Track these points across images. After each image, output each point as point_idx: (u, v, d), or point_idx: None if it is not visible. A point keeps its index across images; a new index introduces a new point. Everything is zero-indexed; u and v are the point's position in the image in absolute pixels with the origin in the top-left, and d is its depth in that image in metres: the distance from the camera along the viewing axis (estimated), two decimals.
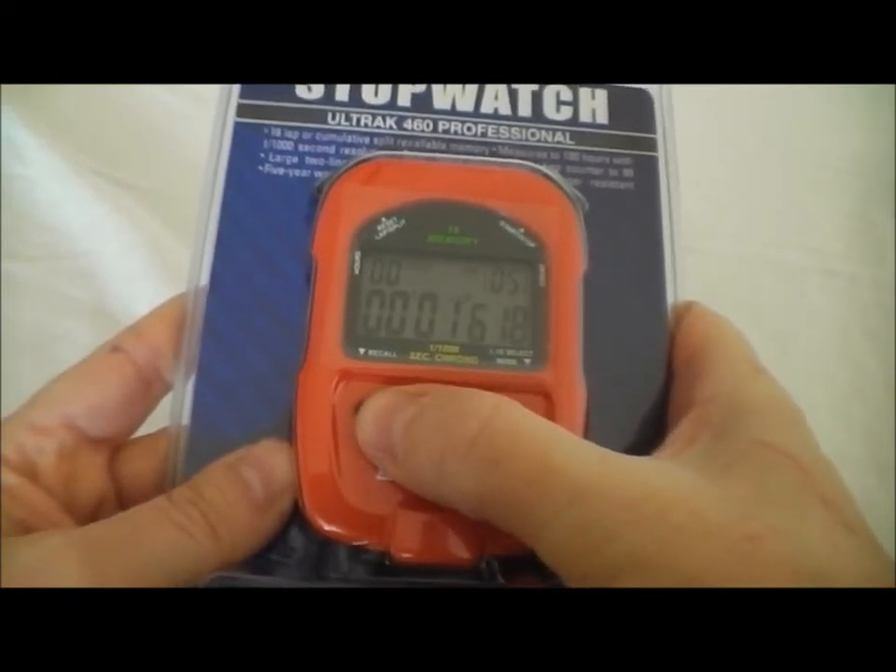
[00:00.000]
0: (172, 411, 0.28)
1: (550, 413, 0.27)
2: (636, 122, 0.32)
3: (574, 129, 0.31)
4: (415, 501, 0.25)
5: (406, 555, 0.25)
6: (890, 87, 0.54)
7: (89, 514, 0.28)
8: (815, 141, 0.54)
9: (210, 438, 0.27)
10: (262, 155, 0.30)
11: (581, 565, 0.21)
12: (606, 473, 0.22)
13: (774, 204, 0.53)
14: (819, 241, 0.52)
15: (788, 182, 0.53)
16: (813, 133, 0.55)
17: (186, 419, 0.28)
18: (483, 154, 0.31)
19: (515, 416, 0.23)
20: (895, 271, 0.51)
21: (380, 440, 0.25)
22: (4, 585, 0.22)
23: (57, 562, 0.23)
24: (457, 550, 0.25)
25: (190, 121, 0.51)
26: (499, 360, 0.27)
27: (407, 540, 0.25)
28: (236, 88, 0.31)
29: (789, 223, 0.52)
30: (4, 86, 0.49)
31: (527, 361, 0.27)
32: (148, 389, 0.29)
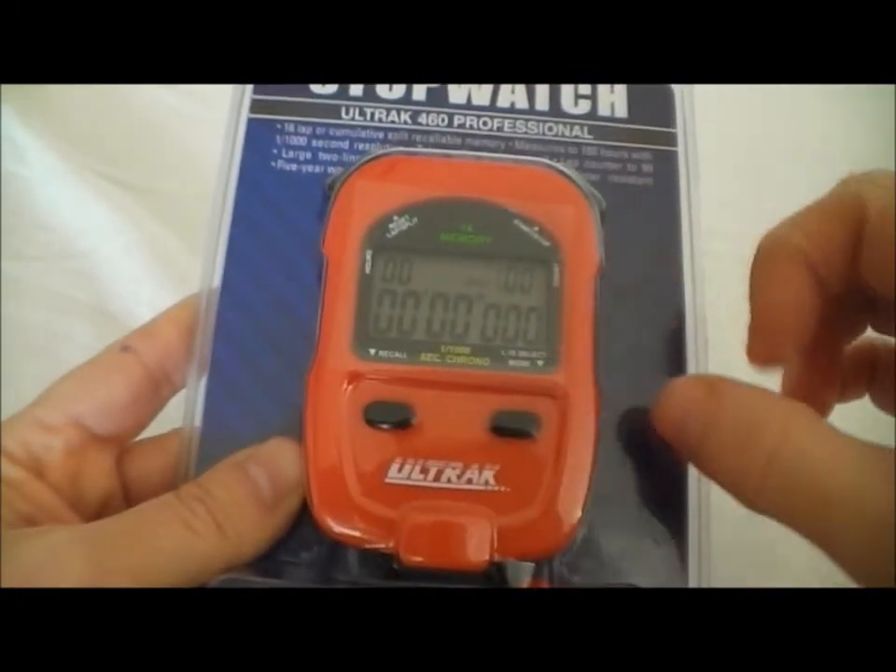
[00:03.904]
0: (185, 412, 0.28)
1: (563, 415, 0.26)
2: (655, 116, 0.31)
3: (592, 123, 0.31)
4: (425, 504, 0.25)
5: (416, 559, 0.25)
6: (890, 87, 0.54)
7: (95, 513, 0.28)
8: (815, 141, 0.54)
9: (222, 438, 0.27)
10: (275, 151, 0.30)
11: (878, 570, 0.22)
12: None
13: (774, 204, 0.52)
14: None
15: (788, 182, 0.53)
16: (813, 133, 0.55)
17: (198, 420, 0.27)
18: (499, 149, 0.30)
19: (802, 441, 0.23)
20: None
21: (677, 427, 0.25)
22: (9, 577, 0.22)
23: (63, 556, 0.23)
24: (467, 554, 0.25)
25: (191, 121, 0.51)
26: (511, 362, 0.27)
27: (416, 544, 0.25)
28: (249, 84, 0.31)
29: None
30: (4, 86, 0.49)
31: (540, 363, 0.27)
32: (157, 389, 0.29)
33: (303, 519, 0.26)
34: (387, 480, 0.26)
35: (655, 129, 0.31)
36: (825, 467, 0.23)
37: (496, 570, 0.25)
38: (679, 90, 0.32)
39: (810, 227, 0.27)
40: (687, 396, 0.25)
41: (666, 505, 0.27)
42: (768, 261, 0.27)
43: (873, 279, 0.26)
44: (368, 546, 0.26)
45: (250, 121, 0.30)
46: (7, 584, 0.22)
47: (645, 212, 0.30)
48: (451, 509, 0.26)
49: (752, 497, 0.24)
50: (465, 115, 0.31)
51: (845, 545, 0.22)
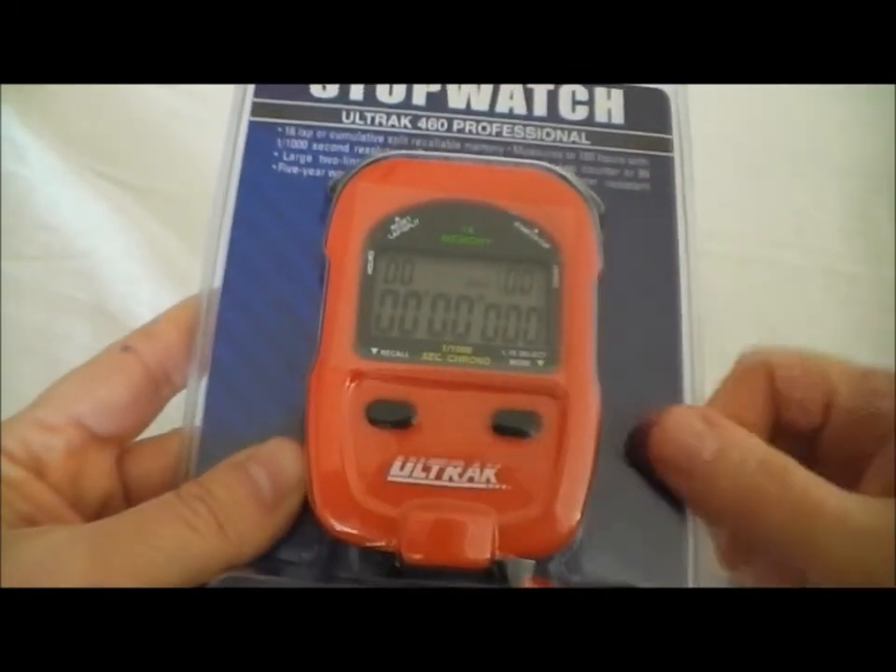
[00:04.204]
0: (185, 412, 0.28)
1: (563, 414, 0.26)
2: (651, 122, 0.32)
3: (590, 129, 0.31)
4: (426, 502, 0.25)
5: (417, 557, 0.25)
6: (890, 87, 0.54)
7: (95, 512, 0.28)
8: (815, 141, 0.54)
9: (222, 438, 0.27)
10: (276, 154, 0.30)
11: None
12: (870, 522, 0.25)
13: (774, 204, 0.53)
14: (819, 241, 0.52)
15: (788, 182, 0.53)
16: (813, 133, 0.55)
17: (198, 420, 0.27)
18: (497, 154, 0.31)
19: (801, 476, 0.26)
20: (895, 271, 0.51)
21: (688, 451, 0.27)
22: (10, 577, 0.22)
23: (64, 555, 0.23)
24: (468, 552, 0.25)
25: (191, 121, 0.51)
26: (512, 361, 0.27)
27: (418, 542, 0.25)
28: (251, 87, 0.31)
29: (789, 223, 0.52)
30: (4, 86, 0.49)
31: (540, 363, 0.27)
32: (157, 390, 0.29)
33: (304, 518, 0.26)
34: (389, 478, 0.26)
35: (651, 135, 0.31)
36: (820, 491, 0.26)
37: (496, 568, 0.25)
38: (673, 95, 0.32)
39: (733, 394, 0.32)
40: (693, 424, 0.27)
41: (666, 505, 0.27)
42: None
43: (789, 419, 0.31)
44: (369, 544, 0.26)
45: (251, 125, 0.30)
46: (7, 584, 0.22)
47: (642, 216, 0.30)
48: (452, 507, 0.26)
49: (770, 507, 0.26)
50: (464, 120, 0.31)
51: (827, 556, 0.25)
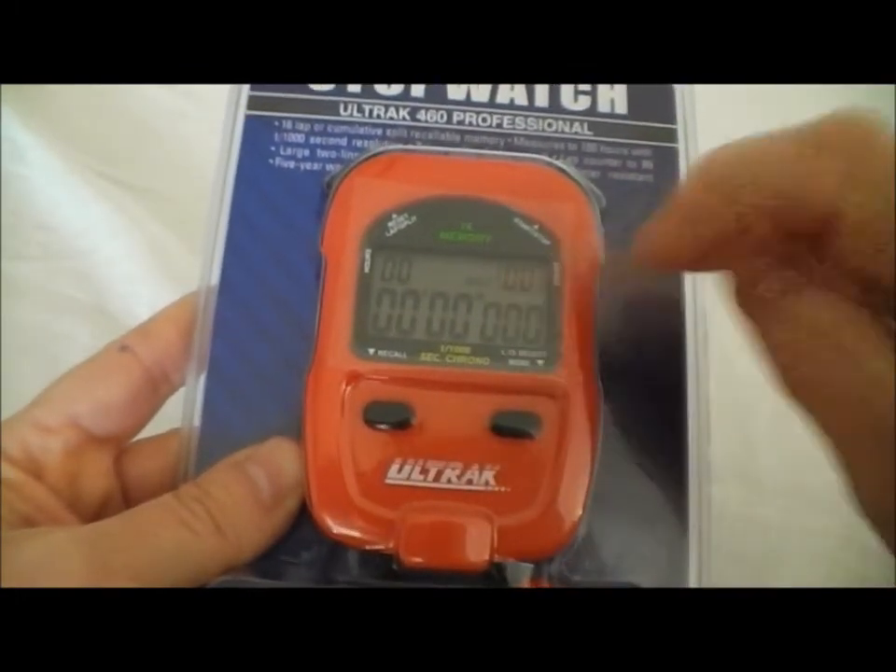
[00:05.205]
0: (183, 411, 0.28)
1: (563, 415, 0.26)
2: (655, 113, 0.31)
3: (592, 119, 0.31)
4: (425, 504, 0.25)
5: (415, 560, 0.25)
6: (890, 87, 0.54)
7: (94, 513, 0.28)
8: None
9: (221, 438, 0.27)
10: (273, 148, 0.30)
11: None
12: None
13: None
14: None
15: None
16: None
17: (197, 420, 0.27)
18: (498, 145, 0.30)
19: None
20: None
21: None
22: (9, 577, 0.22)
23: (62, 557, 0.23)
24: (467, 554, 0.25)
25: (190, 121, 0.51)
26: (511, 361, 0.27)
27: (416, 545, 0.25)
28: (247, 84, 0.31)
29: None
30: (4, 86, 0.49)
31: (540, 362, 0.27)
32: (155, 389, 0.29)
33: (303, 519, 0.26)
34: (387, 480, 0.26)
35: (655, 125, 0.31)
36: None
37: (496, 570, 0.25)
38: (678, 86, 0.32)
39: None
40: None
41: (667, 505, 0.27)
42: None
43: None
44: (368, 547, 0.26)
45: (247, 118, 0.30)
46: (6, 584, 0.22)
47: (645, 208, 0.30)
48: (451, 509, 0.25)
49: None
50: (464, 111, 0.31)
51: None
